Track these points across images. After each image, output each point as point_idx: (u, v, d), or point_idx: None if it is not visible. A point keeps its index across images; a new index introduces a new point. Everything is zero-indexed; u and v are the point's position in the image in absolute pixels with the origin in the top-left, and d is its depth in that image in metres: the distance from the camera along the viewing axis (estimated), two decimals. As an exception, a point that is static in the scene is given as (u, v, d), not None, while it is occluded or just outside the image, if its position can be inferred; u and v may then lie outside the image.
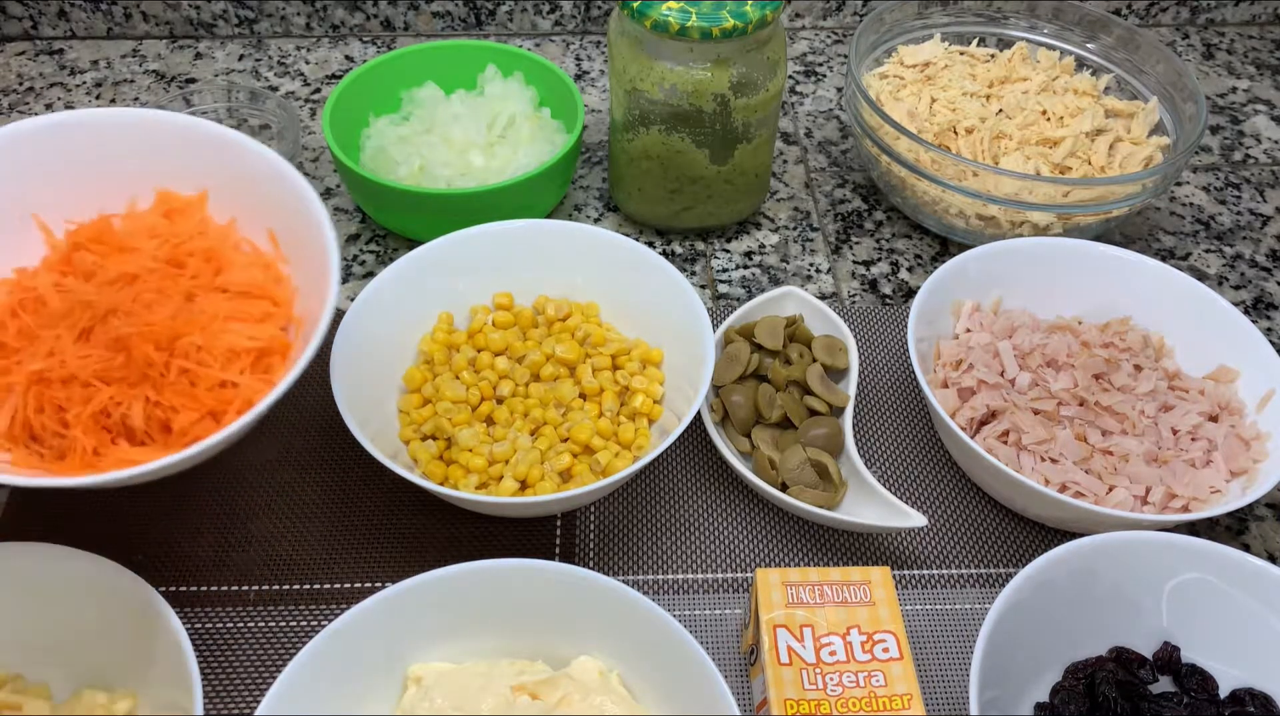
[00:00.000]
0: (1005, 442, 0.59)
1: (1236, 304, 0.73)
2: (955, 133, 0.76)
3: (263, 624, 0.54)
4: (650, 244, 0.76)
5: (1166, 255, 0.78)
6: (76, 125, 0.52)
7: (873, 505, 0.57)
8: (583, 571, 0.48)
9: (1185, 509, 0.56)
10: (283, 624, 0.55)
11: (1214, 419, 0.61)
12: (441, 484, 0.56)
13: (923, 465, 0.63)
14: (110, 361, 0.46)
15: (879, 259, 0.77)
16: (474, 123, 0.76)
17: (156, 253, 0.51)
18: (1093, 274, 0.66)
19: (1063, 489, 0.57)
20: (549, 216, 0.77)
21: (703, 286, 0.74)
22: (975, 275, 0.65)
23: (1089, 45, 0.82)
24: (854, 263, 0.76)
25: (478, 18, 0.96)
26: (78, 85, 0.89)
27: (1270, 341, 0.62)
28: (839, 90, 0.93)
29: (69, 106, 0.87)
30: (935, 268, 0.65)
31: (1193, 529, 0.59)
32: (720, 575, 0.57)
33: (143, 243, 0.52)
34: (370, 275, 0.73)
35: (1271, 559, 0.60)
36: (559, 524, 0.59)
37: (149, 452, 0.46)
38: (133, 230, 0.52)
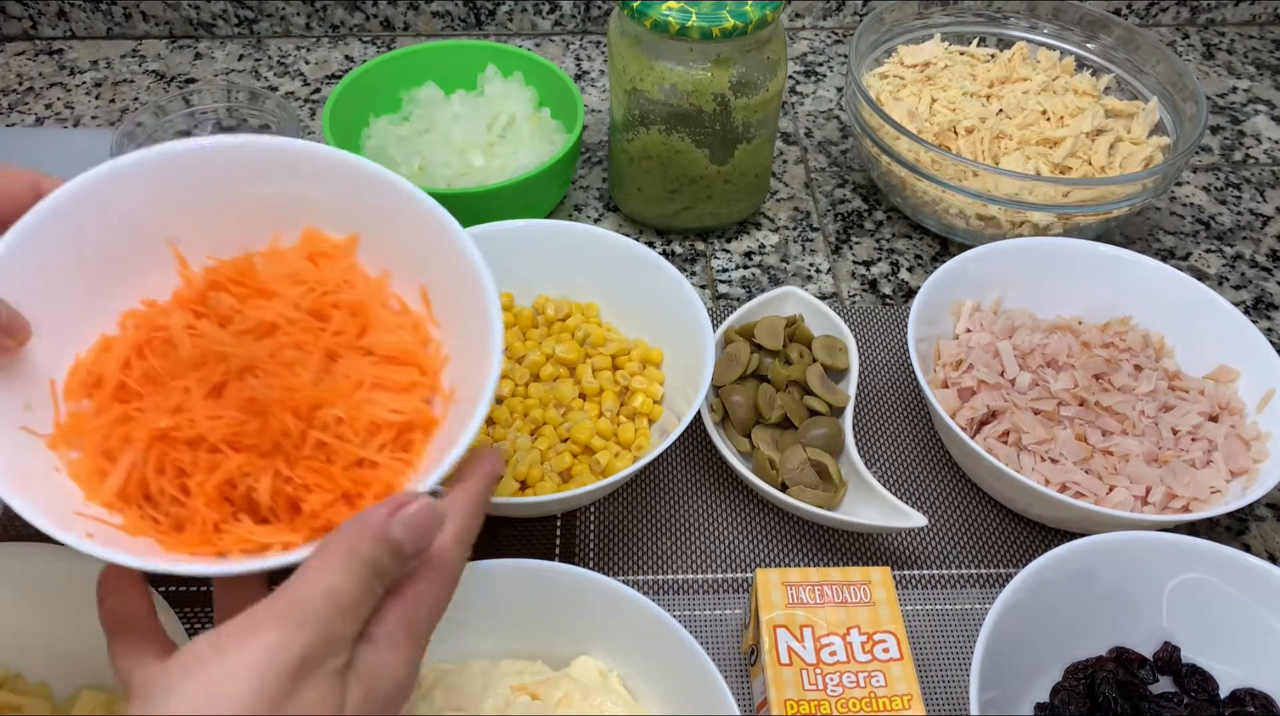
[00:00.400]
0: (1005, 443, 0.59)
1: (1237, 304, 0.73)
2: (955, 133, 0.76)
3: (263, 624, 0.54)
4: (650, 244, 0.76)
5: (1167, 255, 0.78)
6: (224, 149, 0.46)
7: (873, 505, 0.57)
8: (583, 571, 0.48)
9: (1185, 509, 0.56)
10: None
11: (1214, 419, 0.61)
12: (442, 483, 0.56)
13: (923, 465, 0.63)
14: (243, 425, 0.41)
15: (879, 259, 0.77)
16: (474, 123, 0.76)
17: (300, 301, 0.45)
18: (1093, 274, 0.66)
19: (1063, 489, 0.57)
20: (549, 216, 0.77)
21: (703, 286, 0.74)
22: (975, 275, 0.65)
23: (1089, 45, 0.82)
24: (854, 263, 0.76)
25: (477, 18, 0.96)
26: (77, 85, 0.89)
27: (1270, 341, 0.62)
28: (839, 90, 0.93)
29: (69, 107, 0.87)
30: (935, 268, 0.65)
31: (1193, 529, 0.59)
32: (720, 575, 0.57)
33: (285, 288, 0.46)
34: (370, 275, 0.73)
35: (1272, 559, 0.60)
36: (559, 524, 0.59)
37: (274, 532, 0.42)
38: (275, 274, 0.47)
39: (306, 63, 0.93)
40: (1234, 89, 0.95)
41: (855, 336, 0.65)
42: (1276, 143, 0.89)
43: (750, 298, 0.69)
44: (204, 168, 0.46)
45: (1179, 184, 0.84)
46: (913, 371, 0.62)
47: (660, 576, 0.57)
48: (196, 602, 0.55)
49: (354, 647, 0.34)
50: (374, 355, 0.46)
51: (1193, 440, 0.59)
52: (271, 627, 0.32)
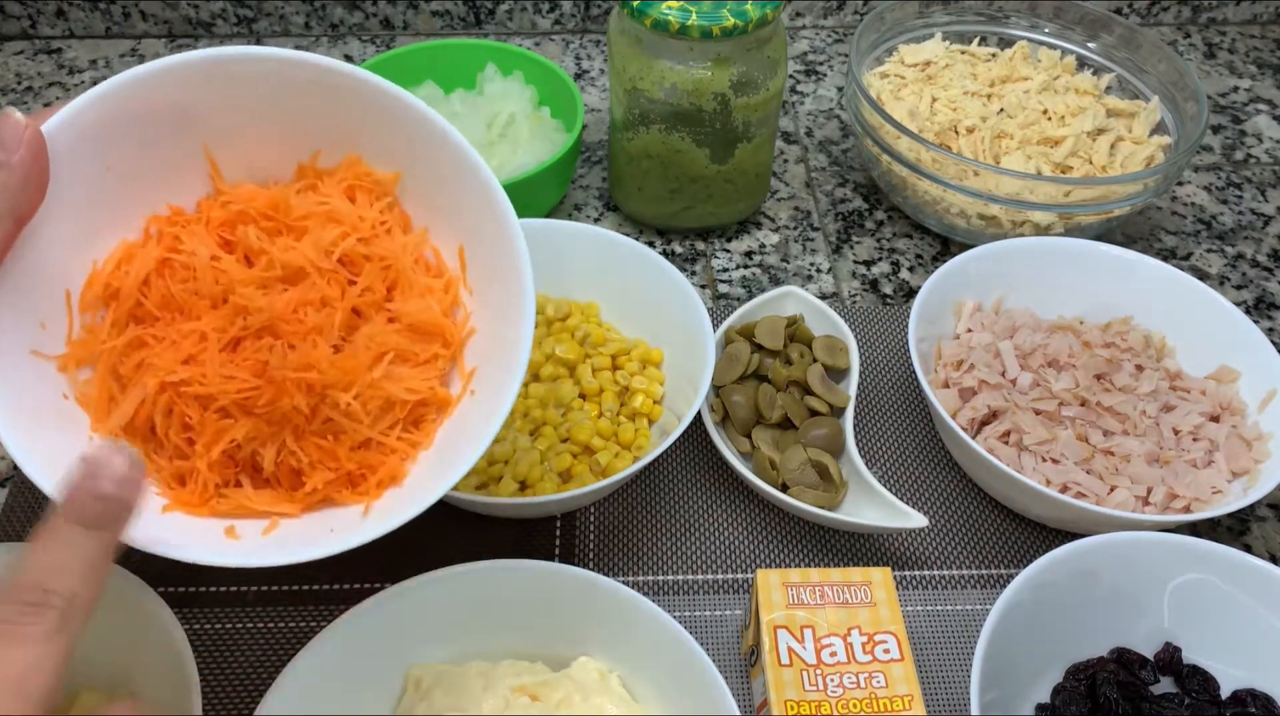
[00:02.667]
0: (1006, 443, 0.59)
1: (1238, 304, 0.73)
2: (956, 132, 0.76)
3: (263, 624, 0.54)
4: (650, 244, 0.76)
5: (1168, 255, 0.78)
6: (270, 60, 0.43)
7: (873, 505, 0.57)
8: (583, 572, 0.48)
9: (1187, 509, 0.56)
10: (283, 624, 0.54)
11: (1215, 419, 0.61)
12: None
13: (923, 465, 0.63)
14: (255, 391, 0.41)
15: (880, 259, 0.77)
16: (473, 122, 0.76)
17: (331, 247, 0.44)
18: (1094, 274, 0.66)
19: (1064, 489, 0.56)
20: (549, 216, 0.77)
21: (703, 286, 0.74)
22: (976, 275, 0.65)
23: (1090, 44, 0.82)
24: (854, 262, 0.76)
25: (477, 17, 0.96)
26: (76, 85, 0.89)
27: (1272, 341, 0.62)
28: (840, 89, 0.93)
29: (68, 105, 0.87)
30: (936, 267, 0.65)
31: (1194, 529, 0.59)
32: (720, 576, 0.57)
33: (318, 228, 0.44)
34: (370, 275, 0.73)
35: (1273, 559, 0.60)
36: (559, 524, 0.59)
37: (273, 501, 0.42)
38: (310, 210, 0.45)
39: (306, 62, 0.93)
40: (1235, 88, 0.95)
41: (856, 336, 0.65)
42: (1278, 142, 0.89)
43: (750, 297, 0.69)
44: (249, 76, 0.43)
45: (1180, 183, 0.84)
46: (913, 371, 0.62)
47: (660, 576, 0.57)
48: (197, 603, 0.55)
49: None
50: (397, 323, 0.45)
51: (1194, 440, 0.59)
52: None
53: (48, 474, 0.37)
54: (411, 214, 0.47)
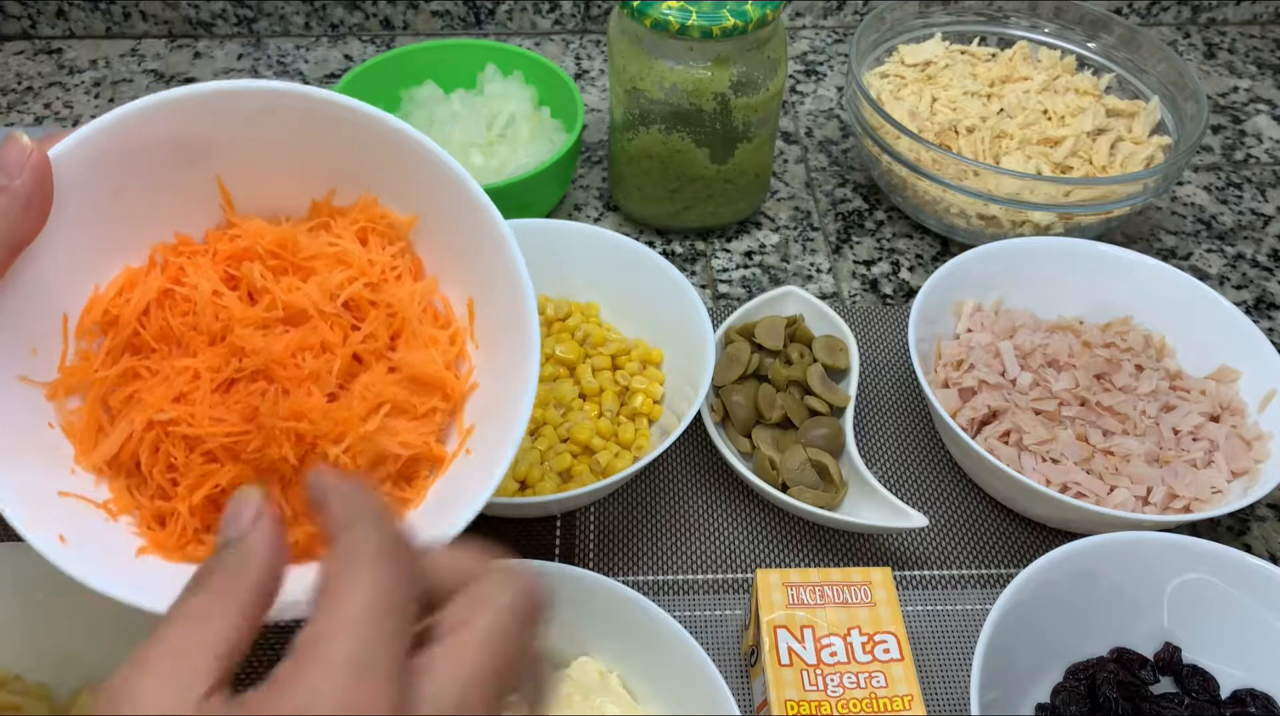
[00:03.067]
0: (1006, 443, 0.59)
1: (1238, 304, 0.73)
2: (956, 132, 0.76)
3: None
4: (650, 244, 0.76)
5: (1168, 255, 0.78)
6: (287, 95, 0.42)
7: (873, 505, 0.57)
8: (583, 571, 0.48)
9: (1187, 509, 0.56)
10: (282, 623, 0.54)
11: (1215, 419, 0.61)
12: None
13: (923, 465, 0.63)
14: (243, 436, 0.40)
15: (880, 258, 0.77)
16: (473, 122, 0.76)
17: (337, 290, 0.43)
18: (1094, 274, 0.66)
19: (1064, 489, 0.56)
20: (549, 216, 0.77)
21: (703, 286, 0.74)
22: (976, 275, 0.65)
23: (1090, 44, 0.82)
24: (854, 262, 0.76)
25: (477, 17, 0.96)
26: (76, 85, 0.89)
27: (1272, 341, 0.62)
28: (839, 89, 0.93)
29: (68, 106, 0.87)
30: (936, 267, 0.65)
31: (1194, 529, 0.59)
32: (720, 575, 0.57)
33: (326, 270, 0.43)
34: (370, 275, 0.73)
35: (1273, 559, 0.60)
36: (559, 524, 0.59)
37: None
38: (319, 251, 0.44)
39: (306, 62, 0.93)
40: (1235, 88, 0.95)
41: (856, 336, 0.65)
42: (1278, 142, 0.89)
43: (750, 297, 0.69)
44: (263, 110, 0.42)
45: (1180, 183, 0.84)
46: (913, 371, 0.62)
47: (660, 576, 0.57)
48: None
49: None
50: (398, 373, 0.43)
51: (1194, 440, 0.59)
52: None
53: (20, 502, 0.36)
54: (424, 260, 0.46)
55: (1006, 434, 0.59)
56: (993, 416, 0.60)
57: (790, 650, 0.47)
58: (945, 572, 0.58)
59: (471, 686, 0.28)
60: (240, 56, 0.93)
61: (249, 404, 0.40)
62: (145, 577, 0.38)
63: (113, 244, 0.42)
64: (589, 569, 0.51)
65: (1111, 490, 0.56)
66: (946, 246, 0.78)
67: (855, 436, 0.62)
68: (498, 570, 0.31)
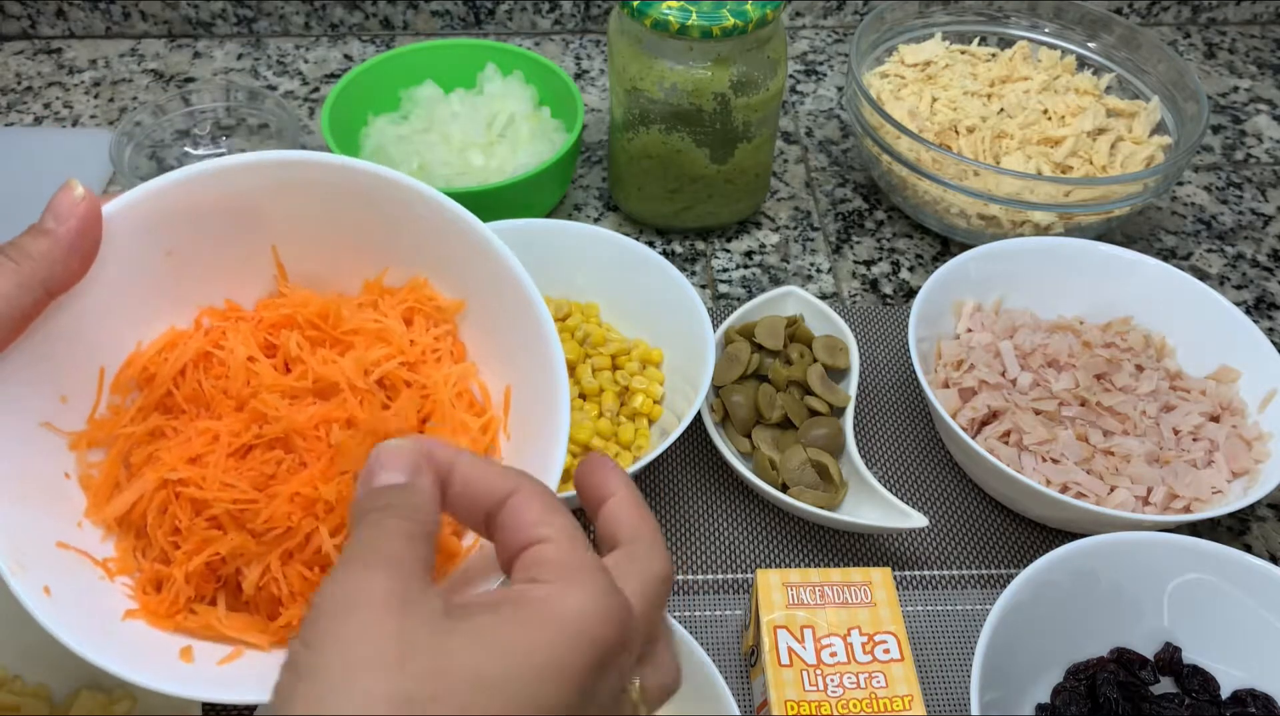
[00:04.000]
0: (1006, 443, 0.59)
1: (1238, 304, 0.73)
2: (956, 132, 0.76)
3: (262, 624, 0.54)
4: (650, 244, 0.76)
5: (1168, 255, 0.78)
6: (345, 170, 0.42)
7: (873, 505, 0.57)
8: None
9: (1187, 509, 0.56)
10: (282, 624, 0.54)
11: (1215, 419, 0.61)
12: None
13: (923, 465, 0.63)
14: (250, 505, 0.39)
15: (880, 258, 0.77)
16: (473, 122, 0.76)
17: (372, 367, 0.42)
18: (1094, 274, 0.66)
19: (1064, 489, 0.56)
20: (549, 216, 0.77)
21: (703, 286, 0.74)
22: (976, 275, 0.65)
23: (1090, 44, 0.82)
24: (854, 262, 0.76)
25: (477, 17, 0.96)
26: (76, 84, 0.89)
27: (1272, 341, 0.62)
28: (840, 89, 0.93)
29: (67, 106, 0.87)
30: (936, 267, 0.65)
31: (1194, 529, 0.59)
32: (720, 576, 0.57)
33: (364, 345, 0.43)
34: (370, 275, 0.73)
35: (1273, 559, 0.60)
36: (559, 524, 0.59)
37: (244, 628, 0.39)
38: (360, 326, 0.43)
39: (305, 62, 0.93)
40: (1235, 88, 0.95)
41: (856, 336, 0.65)
42: (1278, 142, 0.89)
43: (750, 297, 0.69)
44: (318, 182, 0.42)
45: (1180, 183, 0.84)
46: (913, 371, 0.62)
47: (660, 577, 0.57)
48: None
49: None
50: None
51: (1194, 440, 0.59)
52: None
53: (9, 545, 0.36)
54: (469, 344, 0.46)
55: (1006, 434, 0.59)
56: (993, 416, 0.60)
57: (790, 650, 0.47)
58: (945, 573, 0.58)
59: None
60: (240, 56, 0.93)
61: (262, 472, 0.40)
62: (125, 642, 0.38)
63: (161, 303, 0.42)
64: (589, 569, 0.51)
65: (1112, 490, 0.56)
66: (946, 246, 0.78)
67: (855, 436, 0.62)
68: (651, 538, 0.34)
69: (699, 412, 0.59)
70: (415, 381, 0.43)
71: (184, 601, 0.39)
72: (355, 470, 0.39)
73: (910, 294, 0.74)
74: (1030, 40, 0.83)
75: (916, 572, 0.58)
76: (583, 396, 0.61)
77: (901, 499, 0.60)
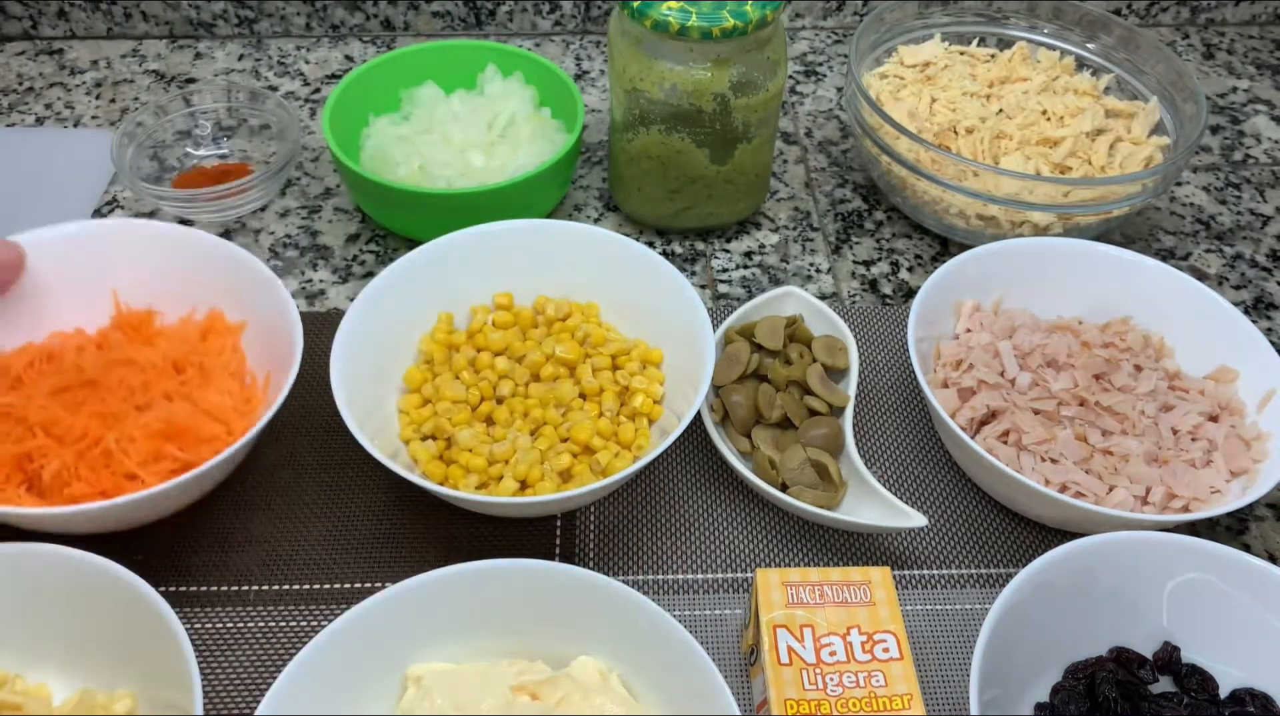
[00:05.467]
0: (1005, 443, 0.59)
1: (1237, 304, 0.73)
2: (955, 132, 0.76)
3: (263, 624, 0.54)
4: (650, 244, 0.76)
5: (1167, 255, 0.78)
6: (171, 238, 0.62)
7: (873, 505, 0.57)
8: (583, 571, 0.48)
9: (1185, 509, 0.56)
10: (283, 624, 0.54)
11: (1214, 419, 0.61)
12: (441, 484, 0.56)
13: (923, 465, 0.63)
14: (58, 419, 0.54)
15: (879, 259, 0.77)
16: (474, 122, 0.76)
17: (169, 351, 0.59)
18: (1093, 274, 0.66)
19: (1063, 489, 0.57)
20: (549, 216, 0.77)
21: (703, 286, 0.74)
22: (975, 275, 0.65)
23: (1089, 45, 0.82)
24: (854, 262, 0.76)
25: (477, 17, 0.96)
26: (77, 85, 0.89)
27: (1271, 341, 0.62)
28: (839, 90, 0.93)
29: (69, 106, 0.87)
30: (935, 267, 0.65)
31: (1193, 529, 0.59)
32: (720, 575, 0.57)
33: (166, 342, 0.61)
34: (370, 275, 0.73)
35: (1272, 559, 0.60)
36: (559, 524, 0.59)
37: (33, 503, 0.53)
38: (171, 334, 0.62)
39: (306, 62, 0.93)
40: (1234, 89, 0.95)
41: (855, 336, 0.65)
42: (1276, 143, 0.89)
43: (750, 297, 0.69)
44: (154, 243, 0.63)
45: (1179, 184, 0.84)
46: (913, 371, 0.62)
47: (660, 576, 0.57)
48: (197, 603, 0.55)
49: None
50: (197, 407, 0.57)
51: (1193, 440, 0.59)
52: None
53: None
54: (248, 341, 0.62)
55: (1006, 434, 0.59)
56: (992, 416, 0.61)
57: (790, 649, 0.48)
58: (945, 572, 0.58)
59: None
60: (241, 57, 0.93)
61: (74, 399, 0.56)
62: None
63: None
64: (589, 568, 0.51)
65: (1110, 490, 0.57)
66: (946, 246, 0.78)
67: (855, 436, 0.62)
68: None
69: (699, 412, 0.60)
70: (202, 363, 0.61)
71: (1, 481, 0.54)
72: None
73: (909, 294, 0.74)
74: (1029, 41, 0.83)
75: (916, 572, 0.58)
76: (583, 396, 0.61)
77: (901, 498, 0.60)
